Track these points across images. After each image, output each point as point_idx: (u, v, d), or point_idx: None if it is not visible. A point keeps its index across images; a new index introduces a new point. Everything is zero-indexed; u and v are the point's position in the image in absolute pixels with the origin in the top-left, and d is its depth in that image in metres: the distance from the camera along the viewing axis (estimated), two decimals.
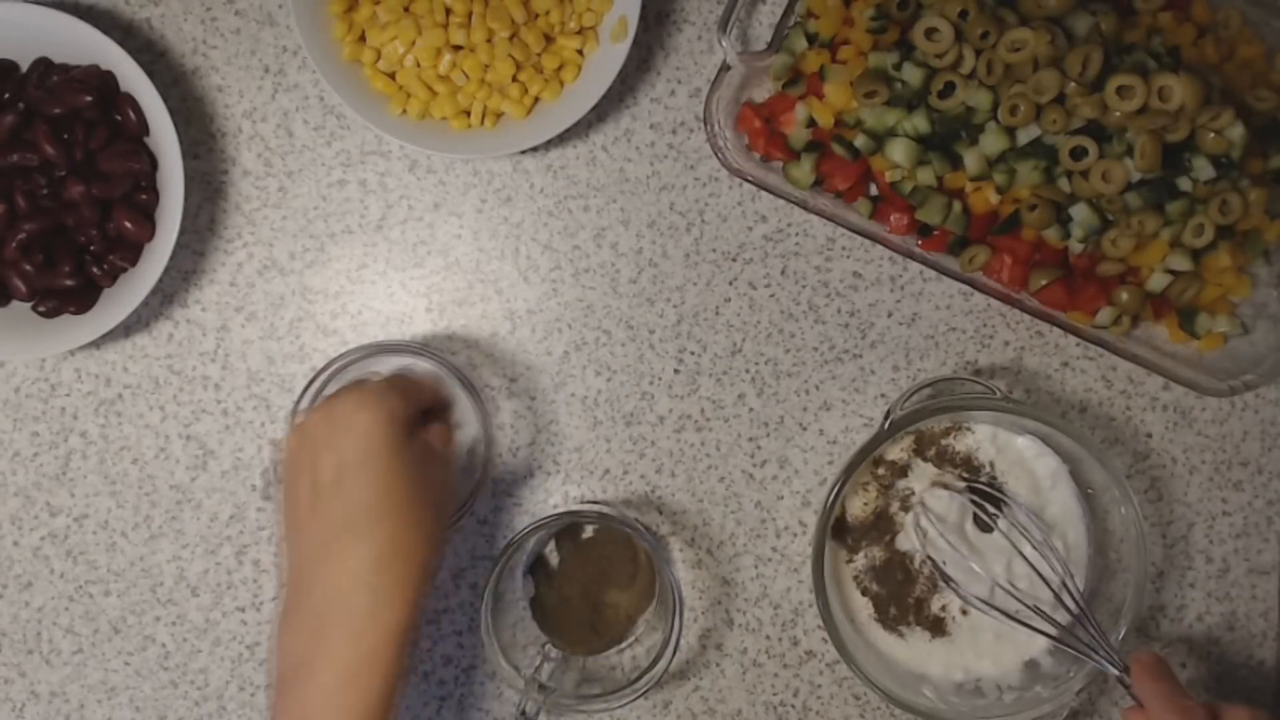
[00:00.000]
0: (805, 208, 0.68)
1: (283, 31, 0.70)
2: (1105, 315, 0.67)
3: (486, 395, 0.70)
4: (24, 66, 0.67)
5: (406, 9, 0.67)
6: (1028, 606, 0.65)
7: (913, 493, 0.68)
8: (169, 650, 0.70)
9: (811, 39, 0.67)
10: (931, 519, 0.66)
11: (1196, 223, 0.65)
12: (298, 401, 0.64)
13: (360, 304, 0.71)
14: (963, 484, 0.67)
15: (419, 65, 0.67)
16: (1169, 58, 0.64)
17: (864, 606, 0.68)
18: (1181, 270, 0.66)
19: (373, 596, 0.55)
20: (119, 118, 0.66)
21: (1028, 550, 0.66)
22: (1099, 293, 0.67)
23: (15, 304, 0.67)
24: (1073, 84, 0.63)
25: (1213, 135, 0.63)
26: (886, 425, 0.65)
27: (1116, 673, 0.62)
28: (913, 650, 0.68)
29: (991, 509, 0.66)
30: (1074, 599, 0.64)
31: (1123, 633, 0.65)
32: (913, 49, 0.65)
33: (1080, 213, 0.65)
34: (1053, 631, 0.64)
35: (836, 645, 0.64)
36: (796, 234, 0.71)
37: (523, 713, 0.64)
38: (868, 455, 0.64)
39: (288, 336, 0.70)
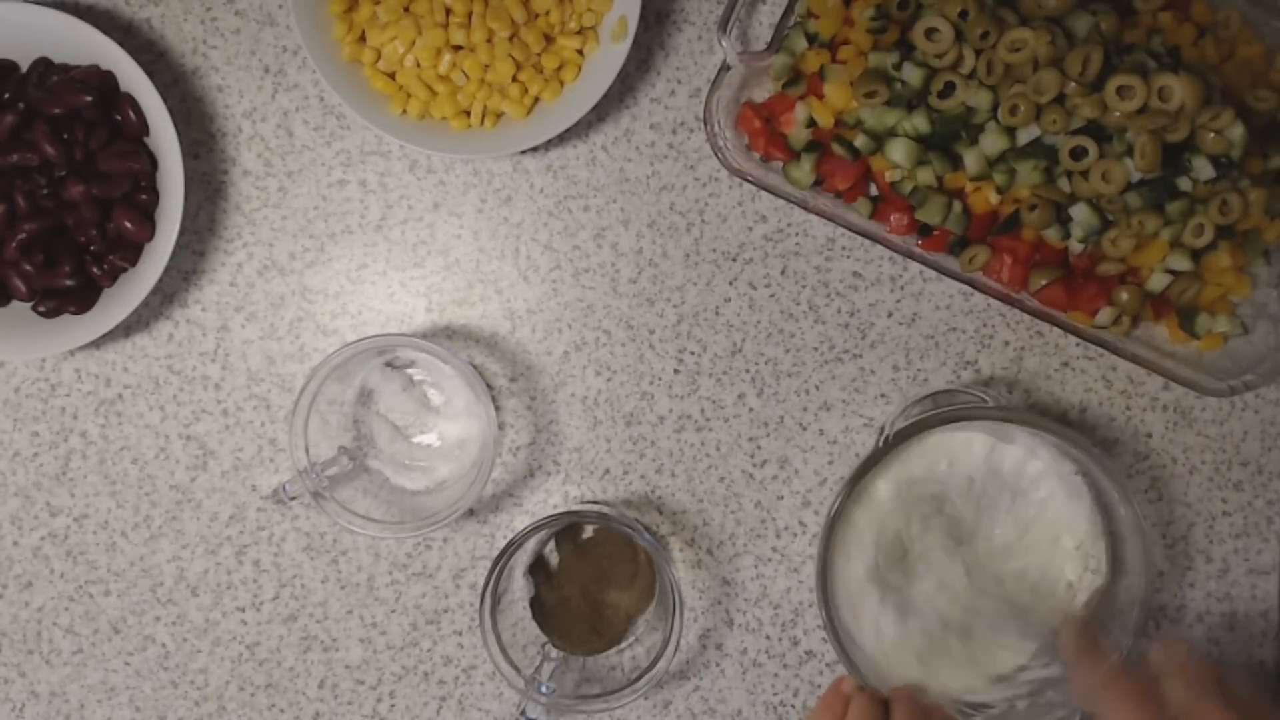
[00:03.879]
0: (805, 208, 0.68)
1: (283, 31, 0.70)
2: (1105, 315, 0.67)
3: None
4: (24, 66, 0.67)
5: (406, 9, 0.67)
6: None
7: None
8: (169, 650, 0.70)
9: (811, 39, 0.67)
10: None
11: (1196, 223, 0.65)
12: (297, 400, 0.64)
13: (360, 304, 0.71)
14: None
15: (419, 65, 0.67)
16: (1169, 58, 0.64)
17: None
18: (1181, 270, 0.66)
19: None
20: (119, 118, 0.66)
21: None
22: (1099, 293, 0.67)
23: (15, 304, 0.67)
24: (1073, 84, 0.63)
25: (1213, 135, 0.63)
26: (881, 443, 0.64)
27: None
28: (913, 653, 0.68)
29: None
30: None
31: (1131, 631, 0.64)
32: (913, 49, 0.65)
33: (1080, 213, 0.65)
34: None
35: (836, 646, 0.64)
36: (796, 234, 0.71)
37: (523, 713, 0.65)
38: (868, 470, 0.64)
39: (288, 336, 0.70)
